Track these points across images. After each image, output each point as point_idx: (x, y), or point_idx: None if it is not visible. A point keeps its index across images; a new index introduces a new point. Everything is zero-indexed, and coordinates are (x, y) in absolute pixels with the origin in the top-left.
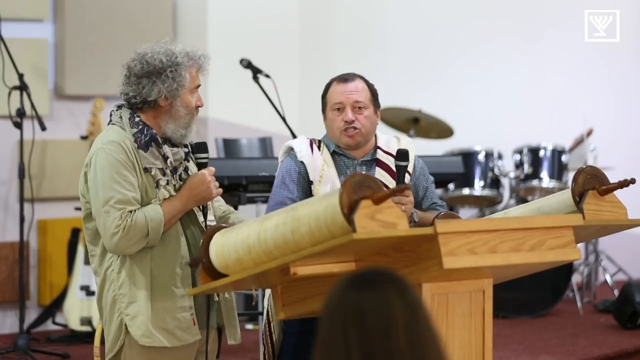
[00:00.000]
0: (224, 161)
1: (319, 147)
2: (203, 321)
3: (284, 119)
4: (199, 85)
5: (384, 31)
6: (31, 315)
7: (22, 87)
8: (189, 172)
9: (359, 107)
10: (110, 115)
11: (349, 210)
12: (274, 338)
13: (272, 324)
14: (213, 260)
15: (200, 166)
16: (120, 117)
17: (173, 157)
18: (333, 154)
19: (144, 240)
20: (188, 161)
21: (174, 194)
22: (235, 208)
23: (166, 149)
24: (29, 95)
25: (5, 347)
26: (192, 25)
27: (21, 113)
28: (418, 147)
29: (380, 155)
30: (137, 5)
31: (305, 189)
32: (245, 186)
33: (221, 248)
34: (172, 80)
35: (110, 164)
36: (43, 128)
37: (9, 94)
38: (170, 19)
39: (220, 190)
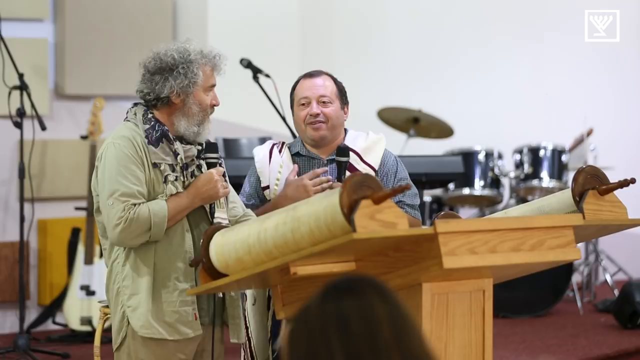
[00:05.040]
0: (223, 161)
1: (280, 150)
2: (208, 318)
3: (284, 119)
4: (214, 85)
5: (384, 31)
6: (31, 315)
7: (22, 87)
8: (202, 170)
9: (324, 102)
10: (127, 112)
11: (349, 210)
12: (252, 343)
13: (249, 329)
14: (213, 260)
15: (210, 166)
16: (135, 114)
17: (185, 154)
18: (296, 155)
19: (147, 233)
20: (203, 160)
21: (182, 190)
22: None
23: (177, 145)
24: (29, 95)
25: (5, 347)
26: (192, 25)
27: (21, 113)
28: (418, 147)
29: None
30: (137, 5)
31: (258, 190)
32: None
33: (221, 248)
34: (183, 76)
35: (118, 158)
36: (43, 128)
37: (9, 93)
38: (170, 19)
39: (228, 190)
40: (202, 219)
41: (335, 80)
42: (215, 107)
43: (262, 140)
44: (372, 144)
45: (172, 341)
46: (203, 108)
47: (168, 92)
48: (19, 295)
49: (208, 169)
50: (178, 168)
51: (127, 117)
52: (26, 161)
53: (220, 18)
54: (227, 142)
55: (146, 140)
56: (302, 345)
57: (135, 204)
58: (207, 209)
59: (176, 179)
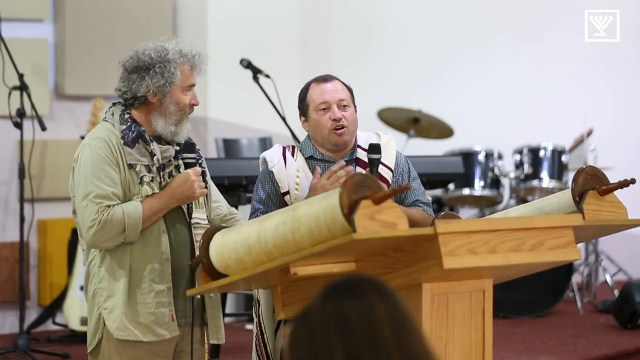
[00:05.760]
0: (224, 161)
1: (292, 154)
2: (185, 320)
3: (284, 119)
4: (193, 84)
5: (384, 31)
6: (31, 315)
7: (22, 87)
8: (181, 171)
9: (344, 105)
10: (105, 112)
11: (349, 210)
12: (268, 349)
13: (265, 335)
14: (213, 261)
15: (187, 166)
16: (112, 114)
17: (162, 155)
18: (310, 158)
19: (121, 235)
20: (181, 160)
21: (158, 191)
22: (236, 208)
23: (154, 145)
24: (29, 95)
25: (5, 347)
26: (192, 25)
27: (21, 113)
28: (418, 147)
29: (360, 154)
30: (137, 5)
31: (278, 196)
32: (245, 186)
33: (221, 248)
34: (160, 75)
35: (93, 159)
36: (43, 128)
37: (9, 94)
38: (170, 19)
39: (206, 190)
40: (179, 219)
41: (345, 83)
42: (194, 107)
43: (262, 141)
44: (385, 145)
45: (148, 343)
46: (181, 108)
47: (144, 91)
48: (19, 295)
49: (186, 169)
50: (154, 169)
51: (104, 117)
52: (26, 161)
53: (220, 18)
54: (227, 142)
55: (122, 141)
56: (303, 346)
57: (109, 206)
58: (185, 210)
59: (152, 180)
